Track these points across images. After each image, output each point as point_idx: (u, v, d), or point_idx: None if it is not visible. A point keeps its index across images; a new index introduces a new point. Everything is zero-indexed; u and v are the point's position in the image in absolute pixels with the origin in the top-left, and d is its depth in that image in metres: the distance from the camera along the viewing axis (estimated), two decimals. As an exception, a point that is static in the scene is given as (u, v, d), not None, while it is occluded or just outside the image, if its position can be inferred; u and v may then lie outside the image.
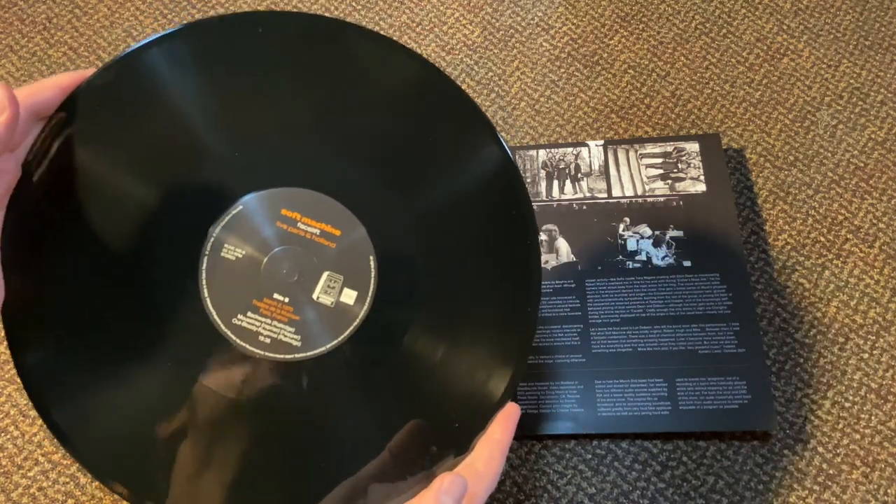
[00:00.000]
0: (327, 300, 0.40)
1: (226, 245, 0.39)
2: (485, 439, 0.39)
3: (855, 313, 0.57)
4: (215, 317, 0.39)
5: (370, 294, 0.40)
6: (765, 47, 0.68)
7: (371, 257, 0.40)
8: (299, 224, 0.40)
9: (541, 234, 0.60)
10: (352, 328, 0.40)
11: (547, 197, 0.61)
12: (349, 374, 0.39)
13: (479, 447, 0.39)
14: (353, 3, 0.71)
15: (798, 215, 0.61)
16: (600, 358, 0.55)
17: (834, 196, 0.61)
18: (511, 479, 0.53)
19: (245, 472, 0.38)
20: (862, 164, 0.62)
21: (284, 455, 0.38)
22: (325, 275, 0.40)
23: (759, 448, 0.53)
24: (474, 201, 0.41)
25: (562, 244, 0.59)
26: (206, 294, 0.39)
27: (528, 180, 0.62)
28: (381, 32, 0.69)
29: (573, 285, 0.58)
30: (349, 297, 0.40)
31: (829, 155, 0.63)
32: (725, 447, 0.54)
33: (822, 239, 0.60)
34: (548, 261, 0.59)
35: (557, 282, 0.58)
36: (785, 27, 0.69)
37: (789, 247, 0.60)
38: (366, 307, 0.40)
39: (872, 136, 0.64)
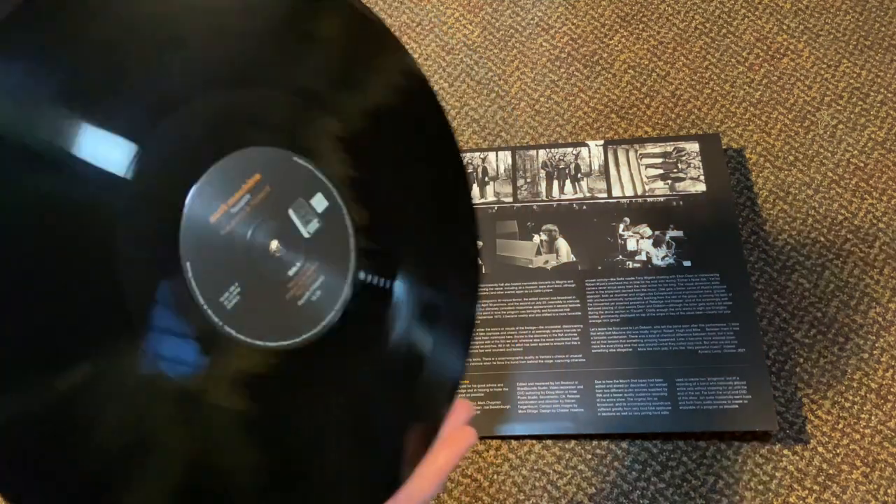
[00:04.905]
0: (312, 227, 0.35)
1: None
2: (429, 462, 0.36)
3: (855, 313, 0.57)
4: None
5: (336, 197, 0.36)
6: (765, 47, 0.68)
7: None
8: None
9: (541, 234, 0.60)
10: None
11: (547, 197, 0.61)
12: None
13: (420, 470, 0.36)
14: (353, 3, 0.71)
15: (798, 215, 0.61)
16: (600, 358, 0.55)
17: (834, 196, 0.61)
18: (511, 479, 0.53)
19: None
20: (862, 164, 0.62)
21: None
22: (290, 212, 0.35)
23: (759, 448, 0.53)
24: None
25: (562, 244, 0.59)
26: None
27: (528, 180, 0.62)
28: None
29: (573, 285, 0.58)
30: (320, 203, 0.35)
31: (829, 155, 0.63)
32: (725, 447, 0.54)
33: (822, 239, 0.60)
34: (548, 261, 0.59)
35: (557, 282, 0.58)
36: (785, 27, 0.69)
37: (789, 247, 0.60)
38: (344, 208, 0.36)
39: (872, 136, 0.64)
